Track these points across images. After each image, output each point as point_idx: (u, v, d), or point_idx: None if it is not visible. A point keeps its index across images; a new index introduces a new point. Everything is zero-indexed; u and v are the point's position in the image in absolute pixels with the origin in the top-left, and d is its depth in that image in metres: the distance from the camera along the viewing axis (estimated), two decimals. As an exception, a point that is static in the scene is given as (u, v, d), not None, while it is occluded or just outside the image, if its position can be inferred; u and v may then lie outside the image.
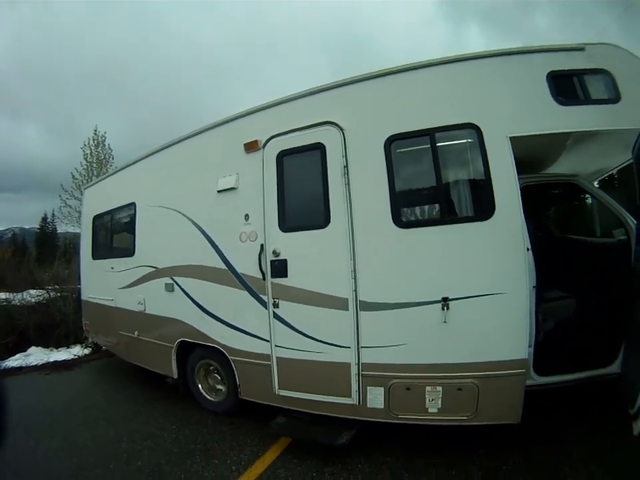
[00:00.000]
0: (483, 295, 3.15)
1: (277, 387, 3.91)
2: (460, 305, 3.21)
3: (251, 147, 4.12)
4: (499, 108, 3.37)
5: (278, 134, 3.97)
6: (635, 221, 3.63)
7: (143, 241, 5.57)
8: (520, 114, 3.38)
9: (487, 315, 3.19)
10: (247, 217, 4.09)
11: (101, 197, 6.93)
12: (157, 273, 5.19)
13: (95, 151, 19.56)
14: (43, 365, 8.10)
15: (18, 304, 10.79)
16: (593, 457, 3.23)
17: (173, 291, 4.92)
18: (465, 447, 3.55)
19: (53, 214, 56.30)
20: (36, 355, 8.57)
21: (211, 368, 4.85)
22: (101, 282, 6.66)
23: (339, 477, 3.34)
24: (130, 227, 5.92)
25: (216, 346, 4.41)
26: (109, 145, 20.09)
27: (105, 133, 20.11)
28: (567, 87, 3.42)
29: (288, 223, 3.83)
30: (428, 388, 3.33)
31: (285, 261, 3.79)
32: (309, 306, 3.66)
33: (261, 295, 3.99)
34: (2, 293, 11.58)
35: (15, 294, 11.41)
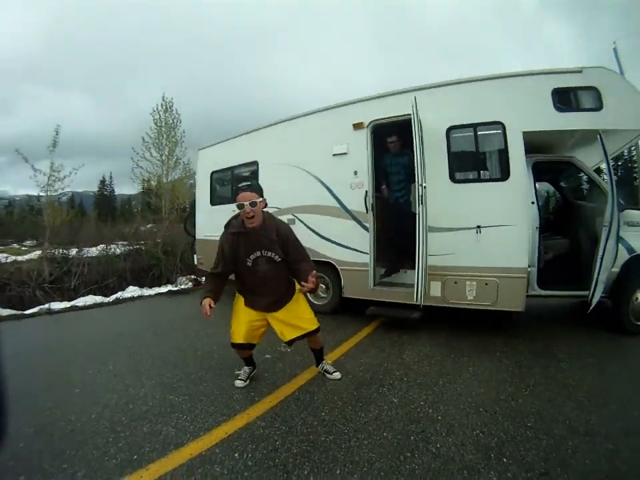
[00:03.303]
0: (501, 226, 5.97)
1: (371, 285, 6.95)
2: (487, 230, 6.06)
3: (358, 126, 7.10)
4: (517, 112, 5.95)
5: (377, 119, 6.94)
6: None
7: (265, 188, 8.37)
8: (530, 116, 5.89)
9: (503, 238, 5.95)
10: (355, 172, 7.09)
11: (219, 157, 10.11)
12: (280, 212, 8.10)
13: (164, 115, 22.68)
14: (156, 294, 11.43)
15: (113, 253, 14.54)
16: (580, 351, 5.66)
17: (294, 224, 7.90)
18: (488, 334, 6.61)
19: (111, 176, 62.00)
20: (133, 292, 11.49)
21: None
22: (221, 223, 9.40)
23: (411, 338, 6.31)
24: (252, 178, 8.88)
25: (328, 260, 7.48)
26: (176, 109, 23.10)
27: (172, 98, 23.03)
28: (565, 98, 5.80)
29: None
30: (467, 282, 6.23)
31: (383, 201, 6.80)
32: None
33: (364, 223, 7.02)
34: (94, 248, 15.15)
35: (106, 246, 15.10)
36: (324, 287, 7.93)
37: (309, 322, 4.52)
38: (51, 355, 5.94)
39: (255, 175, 8.91)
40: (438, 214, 6.33)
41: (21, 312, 9.07)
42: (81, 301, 10.24)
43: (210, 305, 3.99)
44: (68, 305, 9.82)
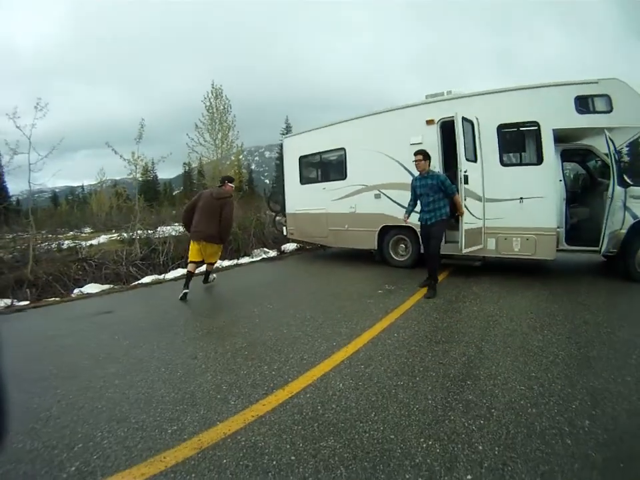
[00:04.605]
0: (537, 197, 8.39)
1: (443, 242, 9.13)
2: (528, 201, 8.50)
3: (430, 122, 9.57)
4: (549, 114, 8.15)
5: (445, 117, 9.30)
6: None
7: (353, 169, 11.17)
8: (558, 117, 8.05)
9: (539, 206, 8.35)
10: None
11: (306, 144, 12.66)
12: (366, 188, 10.82)
13: (215, 102, 25.69)
14: (251, 261, 13.75)
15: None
16: (596, 288, 8.78)
17: (380, 197, 10.55)
18: (530, 278, 9.37)
19: (153, 162, 67.47)
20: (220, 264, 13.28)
21: (398, 242, 10.57)
22: (311, 198, 12.26)
23: (475, 280, 8.88)
24: (339, 161, 11.55)
25: (409, 225, 9.73)
26: (225, 95, 25.96)
27: (222, 85, 25.91)
28: (584, 103, 7.85)
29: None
30: (514, 238, 8.75)
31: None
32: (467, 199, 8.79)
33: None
34: (168, 227, 17.71)
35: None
36: (403, 246, 10.53)
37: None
38: (221, 303, 8.54)
39: (342, 158, 11.45)
40: (492, 189, 8.80)
41: (139, 282, 10.79)
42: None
43: None
44: (178, 274, 11.14)
